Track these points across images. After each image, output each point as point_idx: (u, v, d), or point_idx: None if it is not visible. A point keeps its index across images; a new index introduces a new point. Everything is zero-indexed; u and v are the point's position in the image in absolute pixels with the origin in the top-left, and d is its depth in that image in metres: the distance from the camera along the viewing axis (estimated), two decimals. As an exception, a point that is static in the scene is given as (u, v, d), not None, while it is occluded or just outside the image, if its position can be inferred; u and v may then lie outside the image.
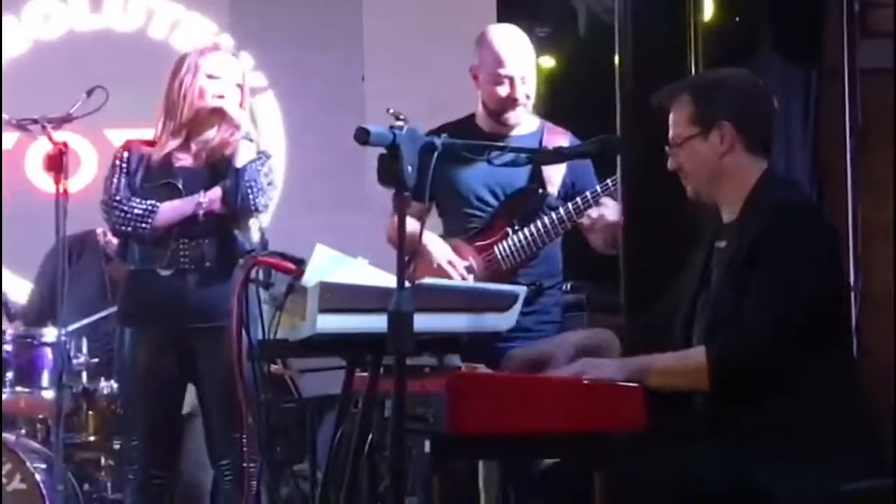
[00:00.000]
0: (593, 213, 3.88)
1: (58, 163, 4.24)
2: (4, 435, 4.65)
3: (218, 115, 4.15)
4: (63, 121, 4.26)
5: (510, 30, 4.22)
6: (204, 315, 4.05)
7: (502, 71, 4.04)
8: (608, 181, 3.81)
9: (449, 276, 3.94)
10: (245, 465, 4.02)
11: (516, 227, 3.97)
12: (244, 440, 3.94)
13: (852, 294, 5.45)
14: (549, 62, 6.05)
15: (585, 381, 2.87)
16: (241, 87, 4.26)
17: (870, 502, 2.88)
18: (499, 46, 4.06)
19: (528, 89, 4.03)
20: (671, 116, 2.96)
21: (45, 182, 5.48)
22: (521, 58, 4.02)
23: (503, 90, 4.05)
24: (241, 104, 4.22)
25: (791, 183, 3.30)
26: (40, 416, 5.00)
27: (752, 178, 2.94)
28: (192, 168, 4.18)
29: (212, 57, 4.28)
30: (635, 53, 3.85)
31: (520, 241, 3.95)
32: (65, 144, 4.30)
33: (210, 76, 4.21)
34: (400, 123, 2.92)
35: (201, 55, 4.26)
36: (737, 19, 5.82)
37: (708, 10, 4.87)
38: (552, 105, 4.79)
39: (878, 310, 5.57)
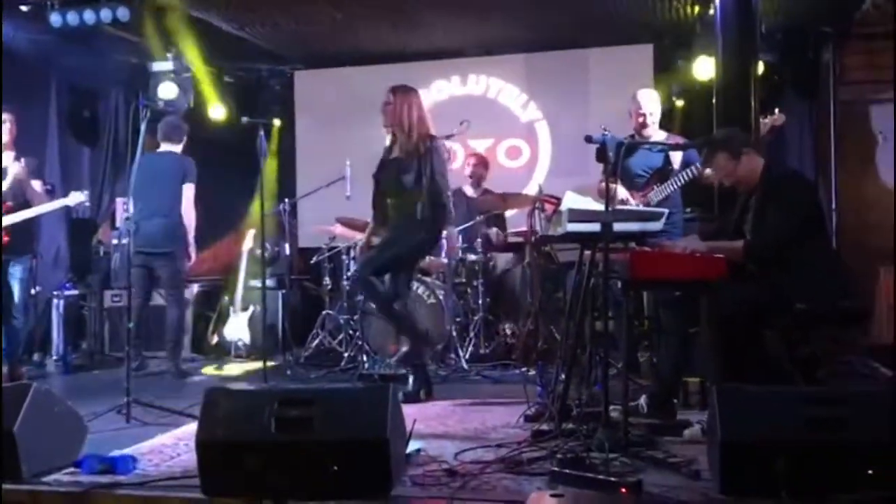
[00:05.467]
0: (707, 172, 3.90)
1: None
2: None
3: None
4: (449, 137, 4.59)
5: (647, 91, 4.80)
6: None
7: (640, 111, 4.56)
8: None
9: (628, 203, 4.06)
10: None
11: (657, 185, 4.01)
12: None
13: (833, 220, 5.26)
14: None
15: (698, 254, 3.26)
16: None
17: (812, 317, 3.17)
18: (640, 99, 4.59)
19: (653, 119, 4.58)
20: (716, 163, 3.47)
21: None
22: (650, 104, 4.52)
23: (640, 119, 4.52)
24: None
25: (782, 165, 3.19)
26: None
27: (760, 168, 3.45)
28: None
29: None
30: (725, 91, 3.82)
31: (661, 191, 3.98)
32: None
33: None
34: (606, 133, 3.15)
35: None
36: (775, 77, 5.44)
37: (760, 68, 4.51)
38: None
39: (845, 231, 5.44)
